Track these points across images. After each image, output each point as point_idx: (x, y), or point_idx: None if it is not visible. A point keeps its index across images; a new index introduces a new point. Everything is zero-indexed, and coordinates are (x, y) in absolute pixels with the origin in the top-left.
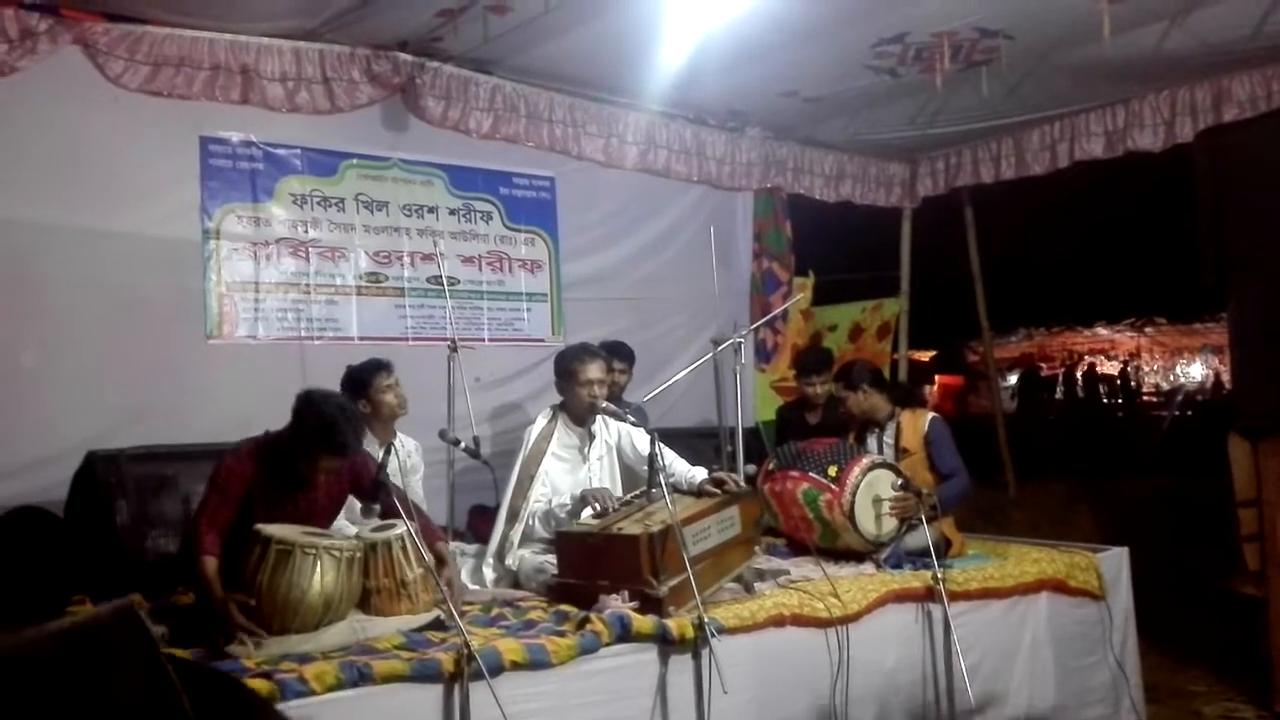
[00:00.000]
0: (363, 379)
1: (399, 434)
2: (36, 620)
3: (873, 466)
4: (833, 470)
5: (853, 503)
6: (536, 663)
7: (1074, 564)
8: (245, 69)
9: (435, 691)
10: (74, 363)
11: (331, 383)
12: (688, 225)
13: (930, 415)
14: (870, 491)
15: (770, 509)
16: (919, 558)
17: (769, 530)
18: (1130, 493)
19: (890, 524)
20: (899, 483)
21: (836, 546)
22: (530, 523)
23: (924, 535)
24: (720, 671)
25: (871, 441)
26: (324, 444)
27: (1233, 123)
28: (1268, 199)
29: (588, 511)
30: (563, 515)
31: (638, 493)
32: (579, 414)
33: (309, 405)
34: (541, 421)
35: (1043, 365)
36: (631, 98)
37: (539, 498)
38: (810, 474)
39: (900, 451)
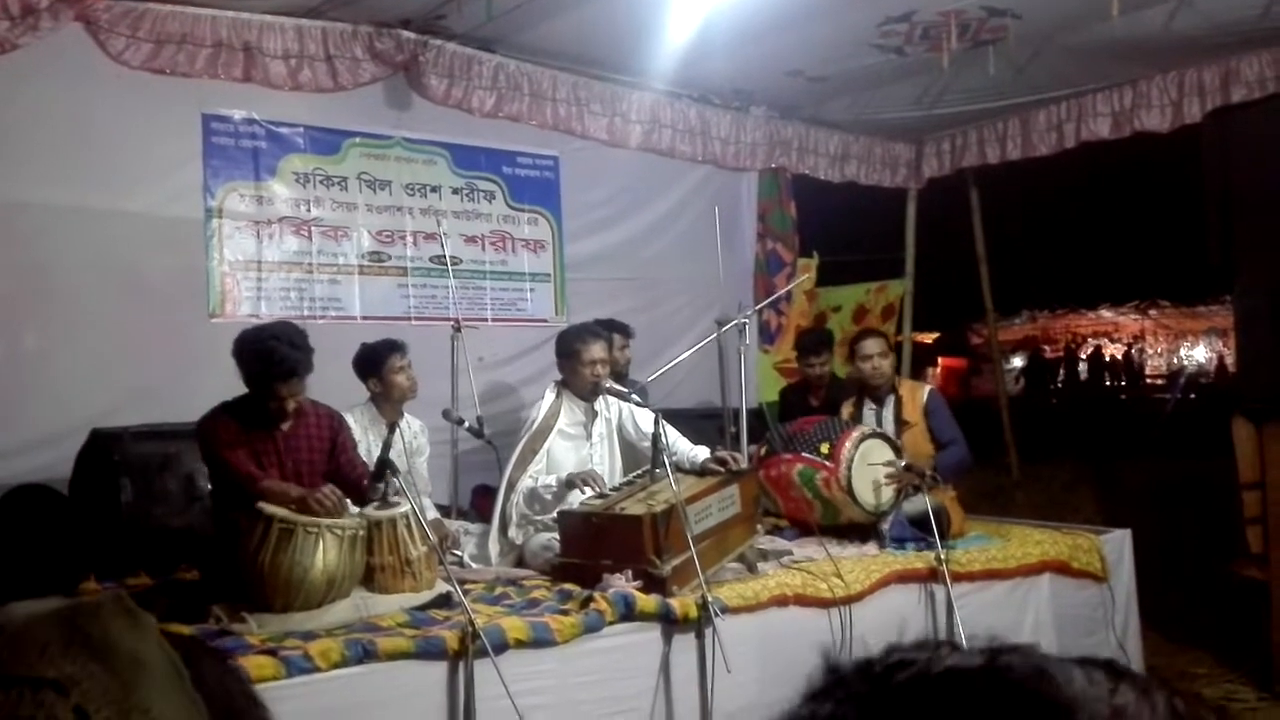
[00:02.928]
0: (376, 358)
1: (405, 415)
2: (41, 597)
3: (864, 438)
4: (825, 447)
5: (849, 476)
6: (540, 641)
7: (1077, 546)
8: (248, 46)
9: (440, 668)
10: (78, 341)
11: (335, 362)
12: (692, 205)
13: (928, 387)
14: (864, 462)
15: (768, 495)
16: (922, 531)
17: (771, 513)
18: (1133, 475)
19: (888, 492)
20: (898, 462)
21: (839, 522)
22: (519, 498)
23: (923, 501)
24: (723, 651)
25: (871, 416)
26: (272, 373)
27: (1241, 103)
28: (1276, 180)
29: (576, 494)
30: (548, 498)
31: (640, 472)
32: (582, 392)
33: (243, 345)
34: (549, 397)
35: (1046, 348)
36: (636, 76)
37: (531, 474)
38: (803, 454)
39: (901, 424)
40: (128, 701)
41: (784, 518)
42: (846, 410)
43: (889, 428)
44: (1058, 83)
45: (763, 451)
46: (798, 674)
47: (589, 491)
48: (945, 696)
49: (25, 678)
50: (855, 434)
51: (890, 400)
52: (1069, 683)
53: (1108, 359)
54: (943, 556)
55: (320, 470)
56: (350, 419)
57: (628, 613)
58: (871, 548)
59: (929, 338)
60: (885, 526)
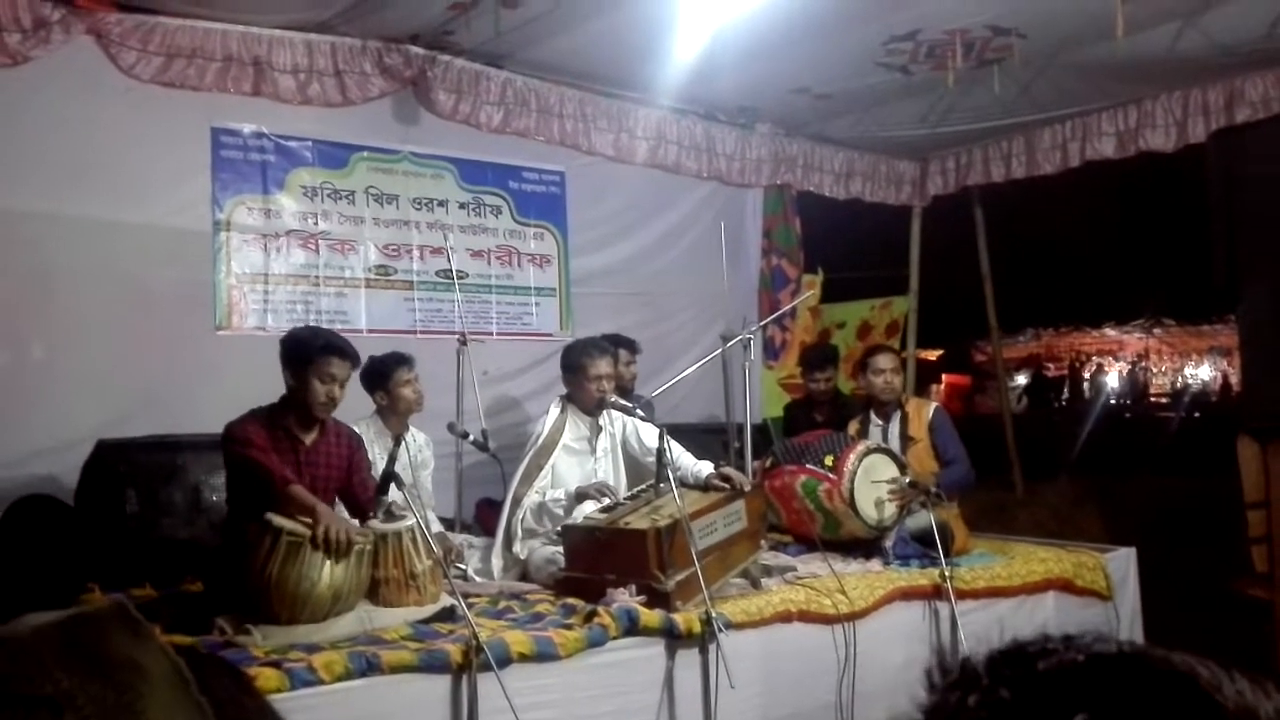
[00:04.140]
0: (384, 371)
1: (411, 428)
2: (46, 608)
3: (868, 452)
4: (829, 460)
5: (852, 489)
6: (544, 655)
7: (1081, 564)
8: (257, 61)
9: (443, 682)
10: (84, 353)
11: None
12: (697, 221)
13: (933, 405)
14: (867, 477)
15: (771, 505)
16: (925, 546)
17: (774, 528)
18: (1138, 494)
19: (891, 508)
20: (903, 479)
21: (841, 536)
22: (525, 514)
23: (926, 518)
24: (727, 666)
25: (877, 432)
26: (328, 348)
27: (1245, 124)
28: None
29: (587, 506)
30: (557, 511)
31: (644, 486)
32: (587, 407)
33: (297, 331)
34: (554, 412)
35: (1050, 365)
36: (642, 93)
37: (538, 489)
38: (807, 466)
39: (906, 440)
40: (126, 714)
41: (786, 530)
42: (853, 426)
43: (894, 443)
44: (1062, 102)
45: (767, 464)
46: (801, 690)
47: (604, 501)
48: (1102, 680)
49: (21, 696)
50: (860, 448)
51: (896, 416)
52: (1195, 668)
53: (1110, 376)
54: (947, 574)
55: (336, 488)
56: (360, 433)
57: (631, 627)
58: (876, 564)
59: (933, 355)
60: (889, 543)
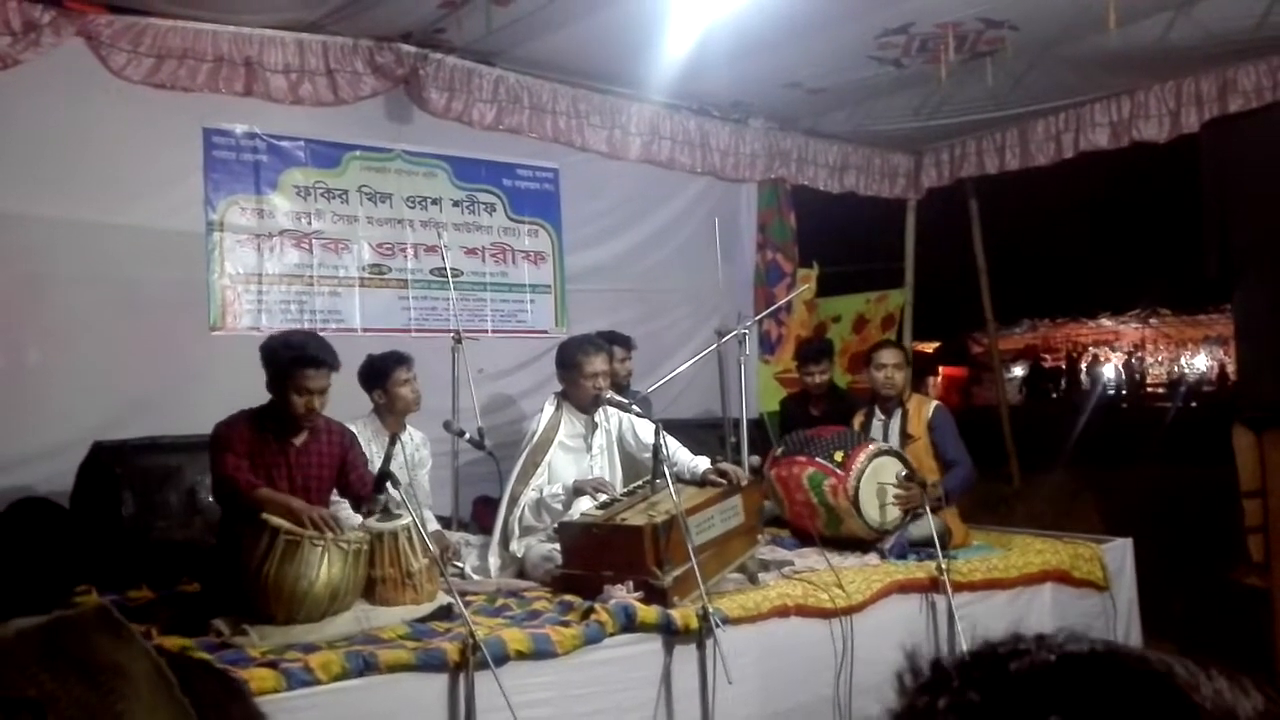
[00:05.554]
0: (383, 370)
1: (408, 426)
2: (41, 610)
3: (879, 453)
4: (839, 455)
5: (857, 488)
6: (541, 652)
7: (1078, 555)
8: (248, 61)
9: (440, 681)
10: (79, 354)
11: (338, 375)
12: (692, 217)
13: (935, 403)
14: (875, 478)
15: (775, 494)
16: (923, 548)
17: (774, 521)
18: (1134, 484)
19: (894, 512)
20: (904, 474)
21: (840, 533)
22: (523, 511)
23: (928, 525)
24: (725, 662)
25: (879, 428)
26: (300, 360)
27: (1238, 113)
28: (1273, 190)
29: (584, 502)
30: (556, 506)
31: (641, 482)
32: (583, 404)
33: (273, 340)
34: (549, 410)
35: (1047, 356)
36: (635, 89)
37: (535, 487)
38: (816, 459)
39: (906, 438)
40: (108, 715)
41: (787, 522)
42: (857, 421)
43: (894, 440)
44: (1056, 93)
45: (778, 452)
46: (799, 685)
47: (601, 497)
48: (1075, 680)
49: (4, 698)
50: (871, 448)
51: (898, 413)
52: (1171, 667)
53: (1107, 367)
54: (944, 566)
55: (328, 487)
56: (353, 430)
57: (628, 624)
58: (873, 558)
59: (929, 347)
60: (886, 547)
